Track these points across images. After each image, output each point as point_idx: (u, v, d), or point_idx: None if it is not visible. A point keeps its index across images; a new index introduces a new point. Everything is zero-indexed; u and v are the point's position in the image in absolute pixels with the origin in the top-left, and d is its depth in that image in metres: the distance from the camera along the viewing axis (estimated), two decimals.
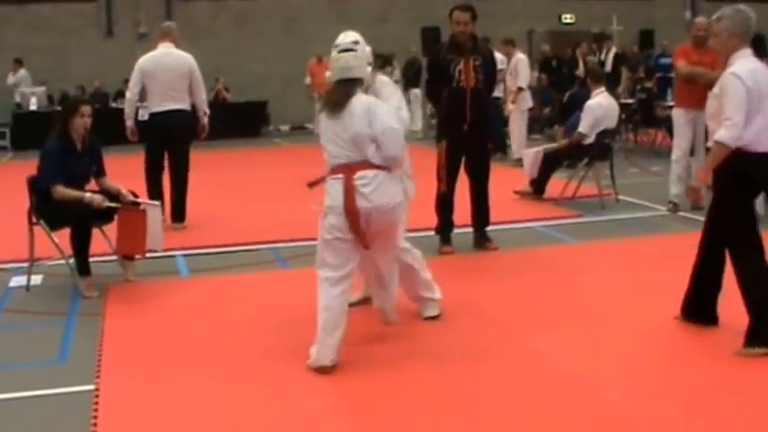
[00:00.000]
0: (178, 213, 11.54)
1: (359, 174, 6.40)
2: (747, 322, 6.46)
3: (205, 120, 11.94)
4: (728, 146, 6.35)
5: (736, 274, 6.61)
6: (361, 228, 6.40)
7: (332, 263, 6.50)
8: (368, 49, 6.88)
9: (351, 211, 6.37)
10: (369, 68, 6.92)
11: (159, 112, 11.46)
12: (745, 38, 6.66)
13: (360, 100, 6.50)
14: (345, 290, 6.57)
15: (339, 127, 6.52)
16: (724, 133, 6.36)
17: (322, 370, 6.31)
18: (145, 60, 11.64)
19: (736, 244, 6.65)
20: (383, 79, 7.39)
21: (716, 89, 6.96)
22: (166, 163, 11.71)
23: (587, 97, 13.31)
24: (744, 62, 6.53)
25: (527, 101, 17.57)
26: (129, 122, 11.68)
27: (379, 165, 6.46)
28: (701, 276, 6.94)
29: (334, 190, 6.49)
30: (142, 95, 11.76)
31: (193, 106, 11.87)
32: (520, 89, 16.98)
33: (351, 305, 6.87)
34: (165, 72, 11.50)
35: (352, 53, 6.56)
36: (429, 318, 7.47)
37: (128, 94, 11.86)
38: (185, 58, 11.79)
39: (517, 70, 17.09)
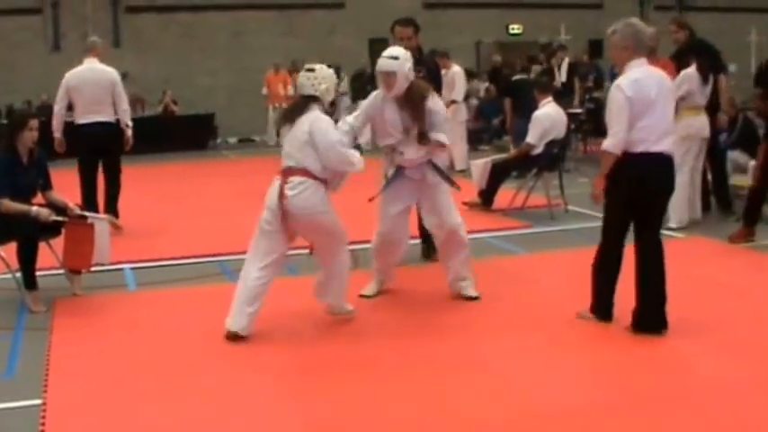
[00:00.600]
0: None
1: (290, 178, 7.33)
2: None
3: (129, 132, 12.30)
4: (612, 153, 7.01)
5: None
6: (286, 222, 7.37)
7: (262, 249, 7.43)
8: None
9: (279, 207, 7.33)
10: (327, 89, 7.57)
11: (84, 123, 12.02)
12: (638, 49, 7.17)
13: (309, 116, 7.36)
14: (267, 275, 7.43)
15: (291, 135, 7.43)
16: (608, 142, 7.02)
17: (233, 336, 7.23)
18: (70, 75, 12.17)
19: (602, 233, 7.40)
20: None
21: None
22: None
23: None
24: (630, 73, 7.09)
25: (462, 112, 17.78)
26: (57, 134, 12.22)
27: (314, 174, 7.32)
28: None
29: (272, 187, 7.49)
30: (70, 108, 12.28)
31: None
32: (453, 102, 16.89)
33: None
34: (89, 86, 12.02)
35: (310, 74, 7.49)
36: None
37: (55, 108, 12.39)
38: (109, 73, 12.26)
39: (453, 82, 17.14)
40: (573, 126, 18.97)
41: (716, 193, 12.44)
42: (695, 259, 9.62)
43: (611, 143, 6.99)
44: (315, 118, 7.36)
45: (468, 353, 6.92)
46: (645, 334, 7.07)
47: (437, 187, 8.32)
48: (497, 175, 13.03)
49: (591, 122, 19.83)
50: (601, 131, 19.01)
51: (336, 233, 7.59)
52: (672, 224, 10.88)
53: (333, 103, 7.75)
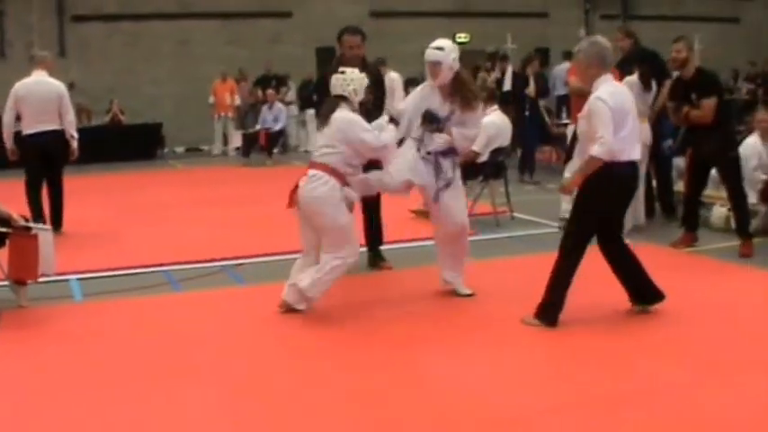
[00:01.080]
0: (56, 223, 12.31)
1: (310, 171, 8.12)
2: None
3: (74, 143, 12.70)
4: (602, 159, 7.36)
5: (556, 263, 7.70)
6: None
7: (302, 240, 8.38)
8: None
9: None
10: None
11: (32, 133, 12.43)
12: (603, 65, 7.69)
13: (336, 114, 8.15)
14: (302, 262, 8.30)
15: (323, 132, 8.24)
16: (599, 149, 7.32)
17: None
18: (20, 85, 12.57)
19: (571, 239, 7.73)
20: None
21: (584, 111, 7.60)
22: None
23: None
24: (605, 87, 7.55)
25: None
26: (9, 143, 12.73)
27: (333, 169, 8.05)
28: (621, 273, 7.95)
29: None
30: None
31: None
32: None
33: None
34: (37, 98, 12.44)
35: (341, 76, 8.28)
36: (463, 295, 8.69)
37: (5, 118, 12.78)
38: (56, 86, 12.67)
39: (392, 90, 17.11)
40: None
41: (660, 198, 12.62)
42: None
43: (603, 150, 7.32)
44: (341, 116, 8.13)
45: (415, 359, 6.95)
46: (656, 304, 7.89)
47: (452, 184, 8.64)
48: None
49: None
50: (546, 139, 19.34)
51: (333, 235, 8.09)
52: (627, 225, 10.94)
53: (362, 104, 8.38)
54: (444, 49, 8.50)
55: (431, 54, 8.49)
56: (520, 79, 18.90)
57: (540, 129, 19.20)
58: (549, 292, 7.66)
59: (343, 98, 8.23)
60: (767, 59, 30.99)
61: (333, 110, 8.20)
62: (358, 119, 8.20)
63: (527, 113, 17.88)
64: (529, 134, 17.82)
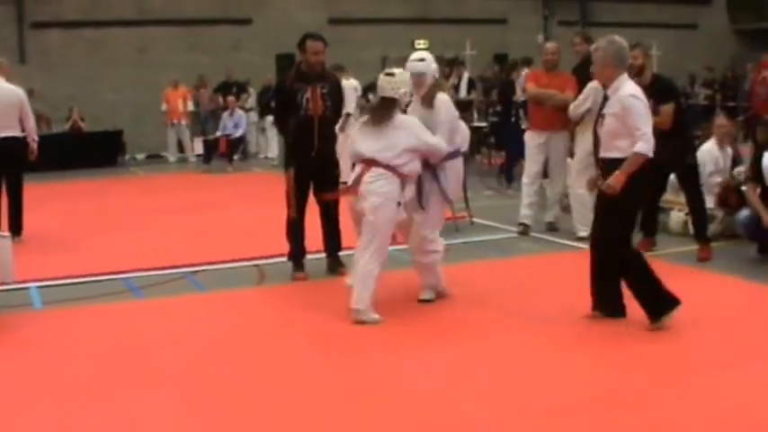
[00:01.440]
0: (15, 228, 12.30)
1: (373, 168, 8.17)
2: None
3: (34, 145, 12.80)
4: (648, 155, 7.51)
5: (625, 276, 7.83)
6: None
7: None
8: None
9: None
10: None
11: None
12: (621, 65, 7.78)
13: (395, 119, 8.29)
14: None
15: (376, 133, 8.28)
16: (645, 146, 7.47)
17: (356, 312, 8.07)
18: None
19: (619, 239, 7.76)
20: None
21: (614, 108, 7.70)
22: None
23: None
24: (630, 85, 7.74)
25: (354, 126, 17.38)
26: None
27: (394, 168, 8.16)
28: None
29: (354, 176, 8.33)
30: None
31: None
32: (348, 115, 16.65)
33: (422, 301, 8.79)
34: None
35: (390, 78, 8.37)
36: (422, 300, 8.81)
37: None
38: (15, 92, 12.73)
39: (347, 96, 16.97)
40: (477, 139, 19.36)
41: None
42: None
43: (648, 146, 7.50)
44: (403, 118, 8.37)
45: (373, 365, 7.02)
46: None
47: (429, 196, 8.62)
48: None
49: (495, 136, 20.01)
50: (501, 145, 19.37)
51: (380, 232, 8.16)
52: (582, 233, 11.16)
53: (406, 106, 8.61)
54: (426, 60, 8.67)
55: (414, 66, 8.62)
56: (507, 86, 18.97)
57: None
58: (644, 296, 7.75)
59: (393, 100, 8.35)
60: (726, 65, 31.35)
61: (388, 112, 8.31)
62: (417, 121, 8.42)
63: (513, 119, 17.79)
64: (514, 142, 17.74)
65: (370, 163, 8.21)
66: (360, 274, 8.11)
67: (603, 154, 7.87)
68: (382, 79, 8.42)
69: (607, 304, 7.97)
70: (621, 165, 7.49)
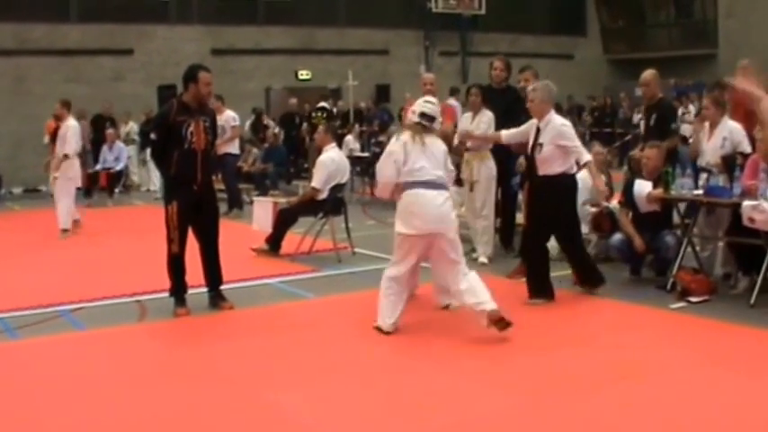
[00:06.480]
0: None
1: (440, 191, 8.64)
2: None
3: None
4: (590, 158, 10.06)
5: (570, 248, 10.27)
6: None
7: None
8: None
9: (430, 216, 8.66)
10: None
11: None
12: (552, 102, 9.98)
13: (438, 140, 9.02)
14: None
15: (427, 152, 8.76)
16: (586, 155, 9.87)
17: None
18: None
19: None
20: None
21: (550, 135, 9.68)
22: None
23: None
24: (558, 117, 9.95)
25: (74, 168, 16.59)
26: None
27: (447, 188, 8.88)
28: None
29: (423, 198, 8.59)
30: None
31: None
32: (66, 156, 16.14)
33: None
34: None
35: (430, 104, 9.09)
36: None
37: None
38: None
39: (66, 137, 16.23)
40: (358, 169, 19.49)
41: (501, 231, 12.86)
42: None
43: (588, 154, 9.96)
44: (439, 141, 9.00)
45: (258, 397, 6.98)
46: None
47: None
48: (284, 220, 13.18)
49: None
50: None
51: (459, 246, 8.72)
52: (483, 259, 12.04)
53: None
54: (435, 104, 9.27)
55: (431, 109, 9.04)
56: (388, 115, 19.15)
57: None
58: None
59: (434, 121, 9.01)
60: (600, 93, 32.20)
61: (427, 132, 8.87)
62: None
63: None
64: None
65: (434, 185, 8.69)
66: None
67: (544, 172, 9.71)
68: (425, 105, 9.05)
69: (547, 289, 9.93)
70: (557, 180, 9.65)
